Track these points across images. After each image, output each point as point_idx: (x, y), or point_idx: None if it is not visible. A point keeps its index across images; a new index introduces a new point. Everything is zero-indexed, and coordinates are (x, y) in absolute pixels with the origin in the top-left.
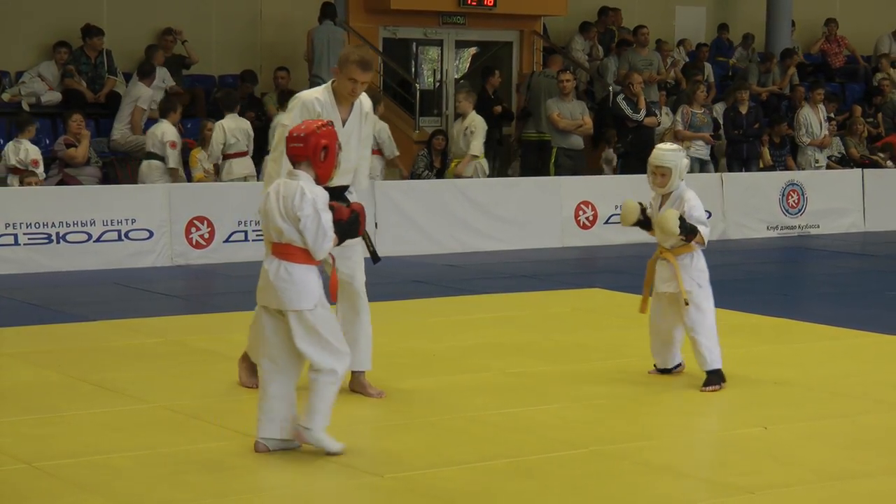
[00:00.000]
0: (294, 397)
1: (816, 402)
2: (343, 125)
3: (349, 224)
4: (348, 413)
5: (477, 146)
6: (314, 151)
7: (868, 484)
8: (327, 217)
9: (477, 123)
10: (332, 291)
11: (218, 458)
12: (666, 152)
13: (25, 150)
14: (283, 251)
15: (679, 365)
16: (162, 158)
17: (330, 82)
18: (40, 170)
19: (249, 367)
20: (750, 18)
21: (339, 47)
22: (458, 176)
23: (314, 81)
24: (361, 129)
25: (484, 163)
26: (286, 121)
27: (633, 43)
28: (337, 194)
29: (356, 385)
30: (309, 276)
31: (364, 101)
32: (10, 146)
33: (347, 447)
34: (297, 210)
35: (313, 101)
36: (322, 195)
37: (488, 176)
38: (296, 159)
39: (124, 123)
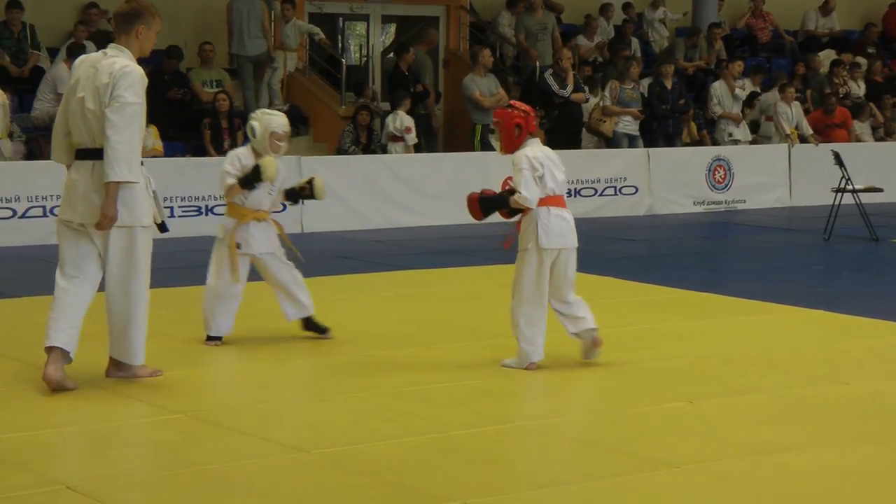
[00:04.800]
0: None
1: (741, 376)
2: None
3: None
4: (274, 388)
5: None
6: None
7: (792, 458)
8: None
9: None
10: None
11: (143, 435)
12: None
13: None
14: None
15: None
16: None
17: (119, 47)
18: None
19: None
20: None
21: (257, 21)
22: None
23: (232, 57)
24: None
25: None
26: (137, 98)
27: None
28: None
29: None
30: None
31: None
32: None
33: (270, 424)
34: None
35: (141, 69)
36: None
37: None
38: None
39: (45, 101)
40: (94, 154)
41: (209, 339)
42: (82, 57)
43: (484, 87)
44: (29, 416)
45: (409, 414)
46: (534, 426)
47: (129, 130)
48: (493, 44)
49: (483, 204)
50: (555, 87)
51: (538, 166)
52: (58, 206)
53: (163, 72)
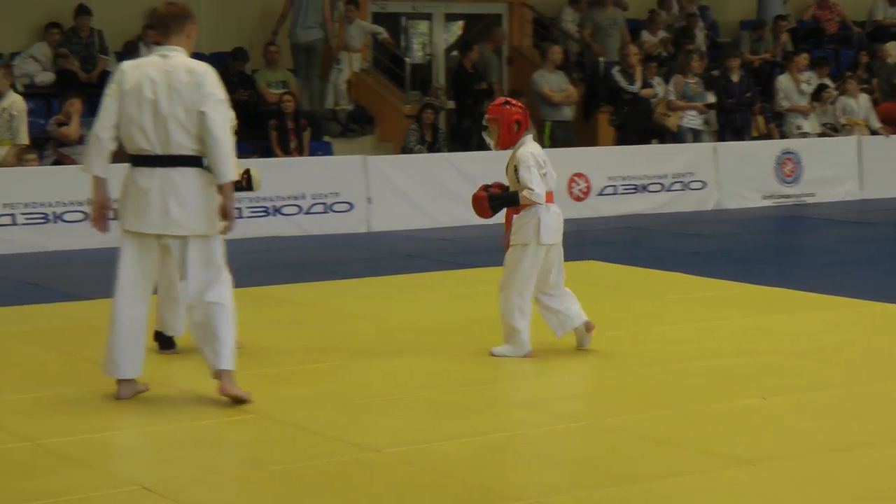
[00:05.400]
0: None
1: (815, 371)
2: None
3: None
4: (343, 388)
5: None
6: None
7: (868, 454)
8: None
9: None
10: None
11: (216, 435)
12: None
13: None
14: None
15: None
16: None
17: (173, 48)
18: None
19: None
20: None
21: (316, 9)
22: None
23: (291, 47)
24: None
25: None
26: (224, 95)
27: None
28: None
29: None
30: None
31: None
32: None
33: (341, 423)
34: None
35: None
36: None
37: None
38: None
39: None
40: (166, 161)
41: (165, 339)
42: (131, 63)
43: (553, 83)
44: (103, 417)
45: (479, 412)
46: (605, 424)
47: (228, 127)
48: (556, 40)
49: (492, 201)
50: (623, 83)
51: (542, 163)
52: None
53: (229, 73)
